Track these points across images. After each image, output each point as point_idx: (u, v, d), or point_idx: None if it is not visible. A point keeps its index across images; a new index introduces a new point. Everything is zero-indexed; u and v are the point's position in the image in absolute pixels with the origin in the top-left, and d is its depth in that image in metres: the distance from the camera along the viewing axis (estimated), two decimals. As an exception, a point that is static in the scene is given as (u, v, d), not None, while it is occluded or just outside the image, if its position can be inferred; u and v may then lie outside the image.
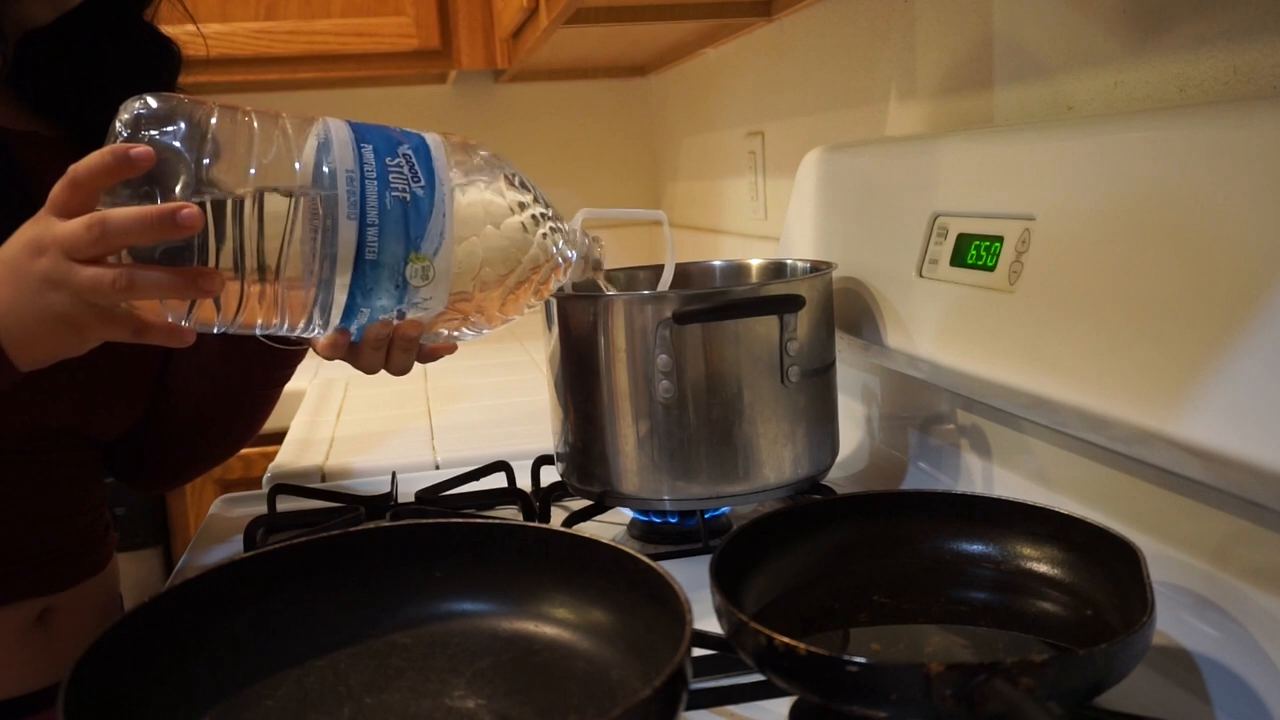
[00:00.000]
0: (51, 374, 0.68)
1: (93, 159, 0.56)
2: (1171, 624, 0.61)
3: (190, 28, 0.90)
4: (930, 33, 1.06)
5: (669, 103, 2.22)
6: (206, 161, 0.59)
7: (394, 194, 0.63)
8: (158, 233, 0.56)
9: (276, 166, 0.61)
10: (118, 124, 0.59)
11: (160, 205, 0.56)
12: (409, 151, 0.65)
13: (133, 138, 0.58)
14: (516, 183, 0.71)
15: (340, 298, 0.63)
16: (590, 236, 0.76)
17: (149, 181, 0.58)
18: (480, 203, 0.68)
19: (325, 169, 0.62)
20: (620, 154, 2.41)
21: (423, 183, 0.65)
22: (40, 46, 0.81)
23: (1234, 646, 0.58)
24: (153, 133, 0.58)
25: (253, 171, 0.60)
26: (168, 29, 0.89)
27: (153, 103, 0.59)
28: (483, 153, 0.70)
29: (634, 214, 0.84)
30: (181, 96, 0.61)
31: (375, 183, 0.63)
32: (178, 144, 0.58)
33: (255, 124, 0.62)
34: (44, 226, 0.59)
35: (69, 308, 0.59)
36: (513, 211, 0.69)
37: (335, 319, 0.65)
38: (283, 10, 1.90)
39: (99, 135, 0.63)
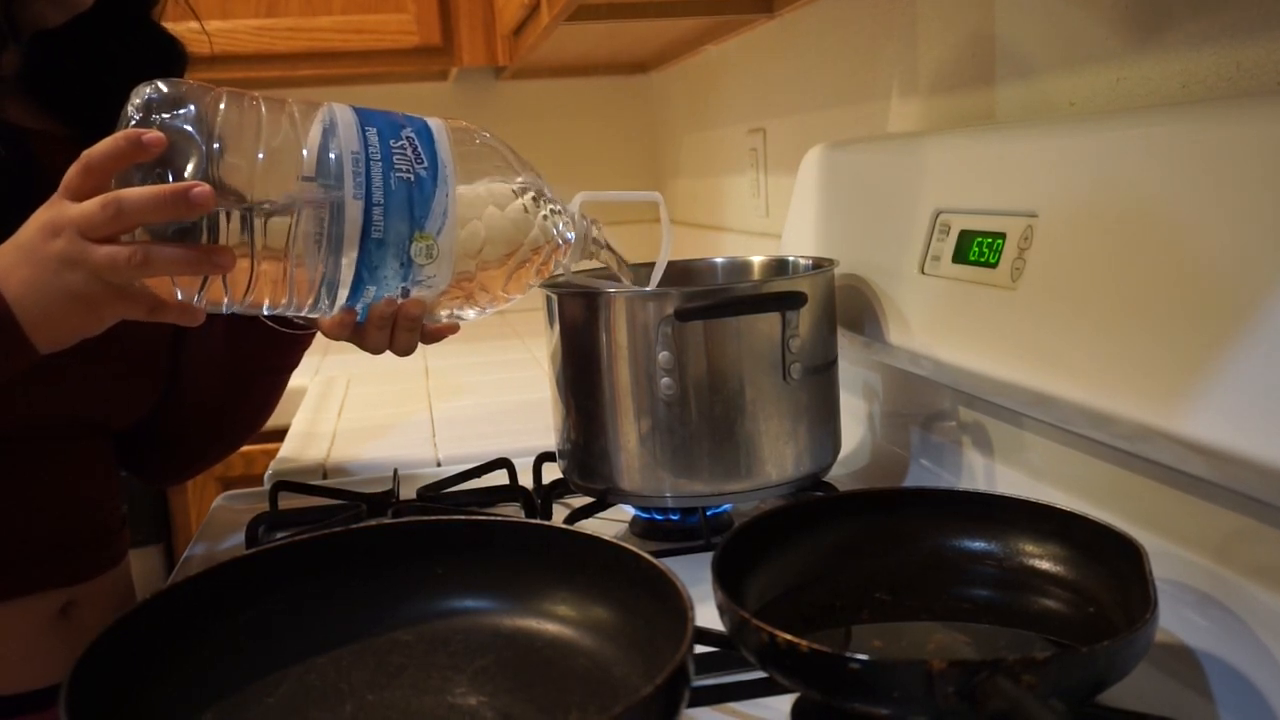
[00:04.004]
0: (66, 361, 0.69)
1: (106, 144, 0.58)
2: (1174, 621, 0.61)
3: (194, 25, 0.91)
4: (932, 30, 1.06)
5: (670, 100, 2.22)
6: (216, 145, 0.60)
7: (398, 174, 0.65)
8: (171, 211, 0.58)
9: (284, 149, 0.62)
10: (129, 108, 0.60)
11: (173, 184, 0.58)
12: (411, 134, 0.67)
13: (144, 122, 0.59)
14: (517, 165, 0.72)
15: (347, 276, 0.65)
16: (589, 220, 0.76)
17: (160, 164, 0.59)
18: (483, 184, 0.69)
19: (331, 152, 0.63)
20: (621, 151, 2.40)
21: (426, 164, 0.66)
22: (51, 46, 0.82)
23: (1237, 643, 0.57)
24: (164, 116, 0.59)
25: (261, 154, 0.61)
26: (170, 26, 0.90)
27: (163, 87, 0.60)
28: (484, 135, 0.71)
29: (631, 197, 0.84)
30: (191, 82, 0.62)
31: (380, 164, 0.64)
32: (188, 127, 0.59)
33: (263, 108, 0.63)
34: (58, 209, 0.60)
35: (86, 286, 0.60)
36: (514, 193, 0.71)
37: (342, 298, 0.66)
38: (283, 7, 1.90)
39: (97, 132, 0.63)
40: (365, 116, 0.66)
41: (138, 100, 0.60)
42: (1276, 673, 0.55)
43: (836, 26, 1.31)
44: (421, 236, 0.66)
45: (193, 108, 0.60)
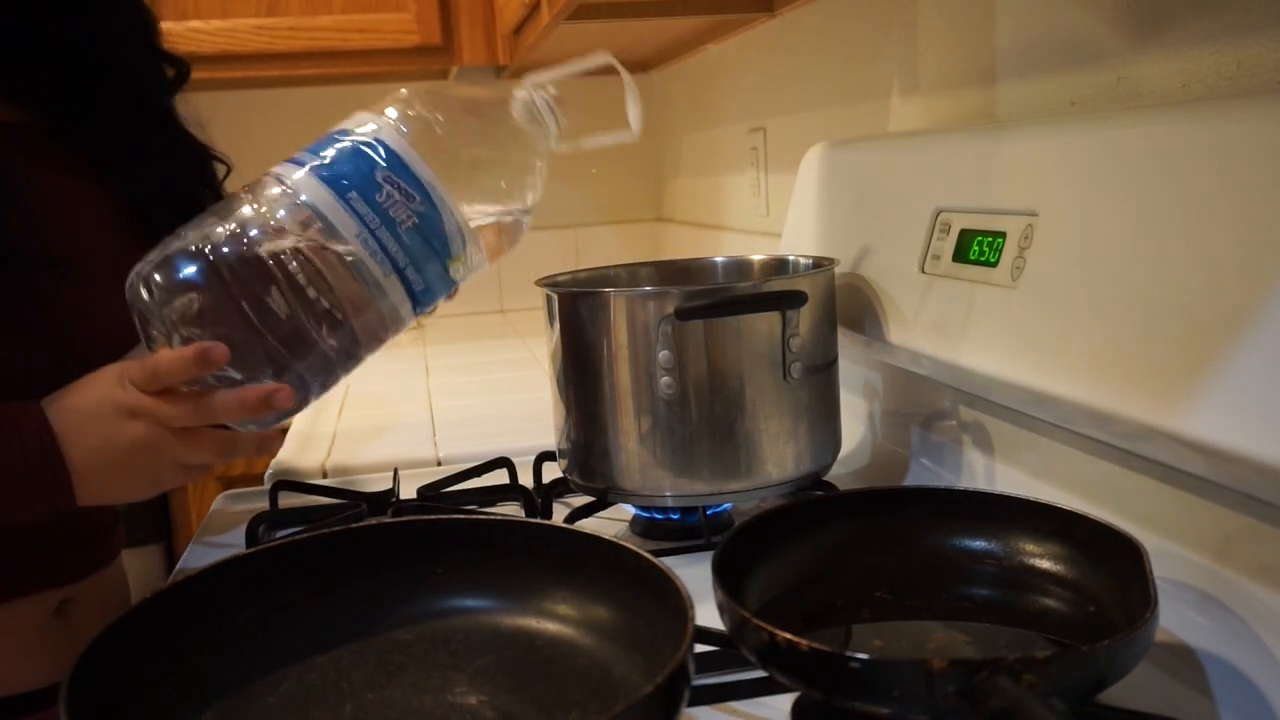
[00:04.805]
0: (58, 367, 0.69)
1: (174, 360, 0.63)
2: (1174, 620, 0.61)
3: (192, 23, 0.91)
4: (933, 28, 1.06)
5: (671, 99, 2.22)
6: (245, 283, 0.63)
7: (404, 228, 0.66)
8: (259, 413, 0.64)
9: (291, 264, 0.63)
10: (144, 308, 0.63)
11: (259, 389, 0.64)
12: (388, 173, 0.66)
13: (163, 312, 0.63)
14: (480, 124, 0.71)
15: (410, 319, 0.69)
16: (546, 95, 0.75)
17: (198, 324, 0.63)
18: (468, 172, 0.69)
19: (340, 246, 0.64)
20: (622, 150, 2.39)
21: (418, 198, 0.66)
22: (14, 27, 0.82)
23: (1237, 643, 0.57)
24: (184, 299, 0.63)
25: (284, 276, 0.63)
26: (170, 25, 0.89)
27: (160, 280, 0.63)
28: (438, 117, 0.69)
29: (579, 66, 0.83)
30: (181, 251, 0.64)
31: (383, 228, 0.65)
32: (206, 284, 0.62)
33: (248, 228, 0.64)
34: (136, 398, 0.65)
35: (160, 467, 0.68)
36: (495, 159, 0.71)
37: (407, 326, 0.70)
38: (284, 6, 1.90)
39: (72, 123, 0.72)
40: (336, 183, 0.65)
41: (154, 297, 0.63)
42: (1277, 672, 0.55)
43: (837, 25, 1.31)
44: (453, 261, 0.68)
45: (195, 271, 0.62)
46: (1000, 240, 0.76)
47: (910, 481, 0.93)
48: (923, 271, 0.85)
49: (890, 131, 1.16)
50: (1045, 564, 0.64)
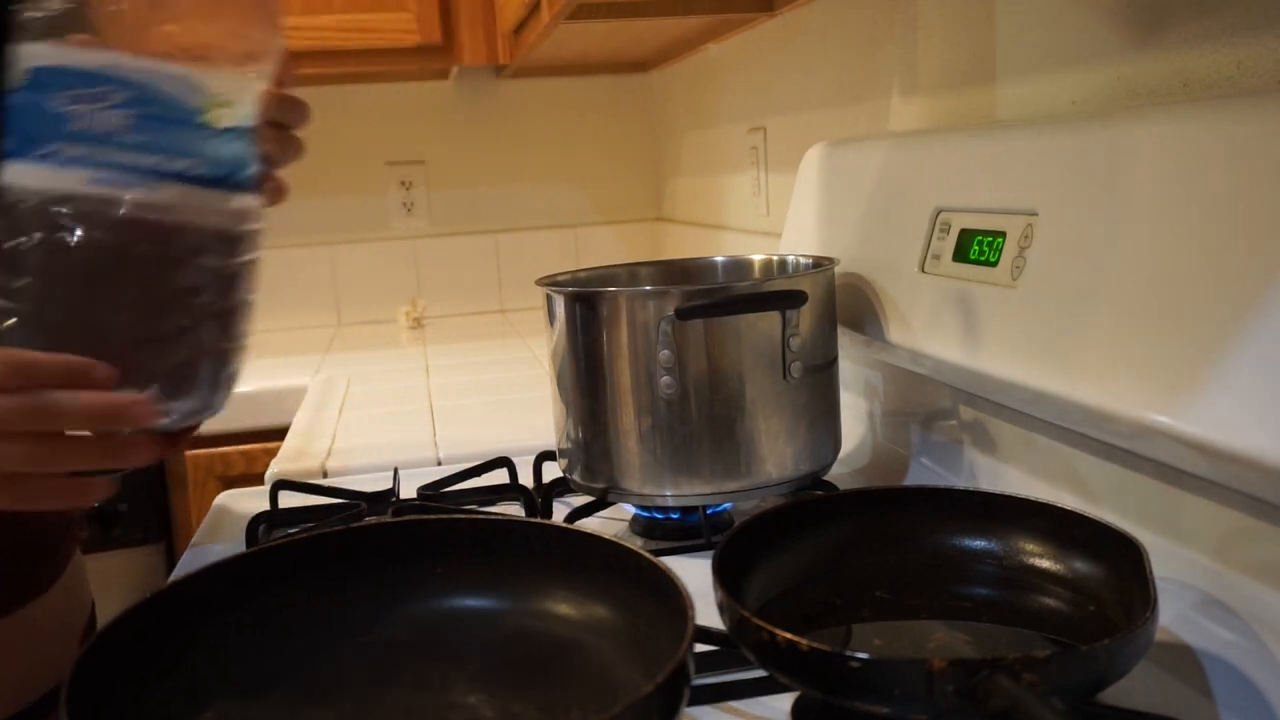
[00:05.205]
0: None
1: (58, 364, 0.53)
2: (1175, 620, 0.61)
3: None
4: (933, 27, 1.06)
5: (671, 98, 2.22)
6: (70, 305, 0.54)
7: (125, 130, 0.54)
8: (107, 424, 0.55)
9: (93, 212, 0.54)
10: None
11: (115, 398, 0.53)
12: (63, 95, 0.54)
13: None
14: None
15: (250, 200, 0.59)
16: None
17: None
18: (143, 12, 0.58)
19: (98, 202, 0.54)
20: (622, 150, 2.40)
21: (109, 88, 0.54)
22: None
23: (1238, 643, 0.57)
24: None
25: (91, 270, 0.54)
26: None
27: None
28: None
29: None
30: None
31: (108, 149, 0.54)
32: (29, 336, 0.54)
33: (22, 256, 0.54)
34: None
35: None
36: None
37: (255, 204, 0.59)
38: (284, 6, 1.90)
39: None
40: (33, 149, 0.53)
41: None
42: (1277, 672, 0.55)
43: (837, 25, 1.31)
44: (206, 114, 0.56)
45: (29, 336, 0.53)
46: (1000, 240, 0.76)
47: (910, 481, 0.93)
48: (923, 271, 0.85)
49: (890, 131, 1.16)
50: (1045, 563, 0.64)
